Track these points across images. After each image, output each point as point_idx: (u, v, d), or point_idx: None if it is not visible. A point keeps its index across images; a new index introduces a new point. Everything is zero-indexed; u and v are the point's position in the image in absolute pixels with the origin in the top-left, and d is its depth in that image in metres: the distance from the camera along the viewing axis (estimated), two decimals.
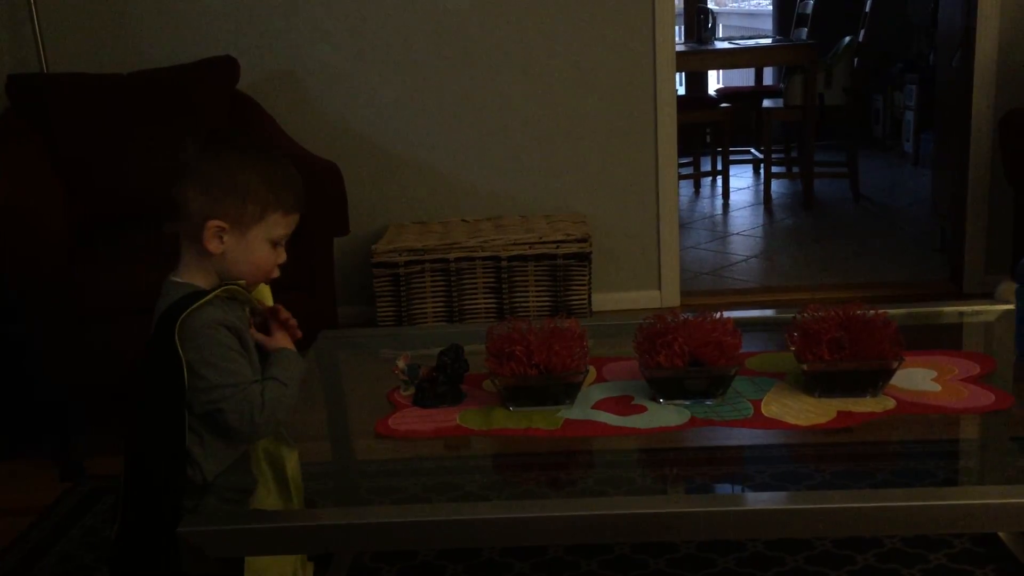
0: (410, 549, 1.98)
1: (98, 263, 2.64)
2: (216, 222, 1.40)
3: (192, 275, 1.43)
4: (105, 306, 2.56)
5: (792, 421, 1.49)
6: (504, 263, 3.12)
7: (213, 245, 1.41)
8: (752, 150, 5.98)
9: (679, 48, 4.81)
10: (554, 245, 3.11)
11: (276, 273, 1.49)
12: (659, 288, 3.57)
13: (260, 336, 1.49)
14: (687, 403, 1.56)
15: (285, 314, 1.52)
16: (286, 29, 3.39)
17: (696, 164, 5.71)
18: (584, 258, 3.12)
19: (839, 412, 1.50)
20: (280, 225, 1.45)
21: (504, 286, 3.13)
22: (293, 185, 1.46)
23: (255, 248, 1.44)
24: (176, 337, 1.35)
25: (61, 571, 2.04)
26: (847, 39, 5.16)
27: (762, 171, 5.44)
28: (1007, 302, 1.84)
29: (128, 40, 3.37)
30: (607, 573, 1.91)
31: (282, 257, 1.49)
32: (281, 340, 1.47)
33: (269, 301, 1.57)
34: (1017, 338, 1.69)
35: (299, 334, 1.53)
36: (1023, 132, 2.94)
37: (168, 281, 1.44)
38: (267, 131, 3.15)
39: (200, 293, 1.40)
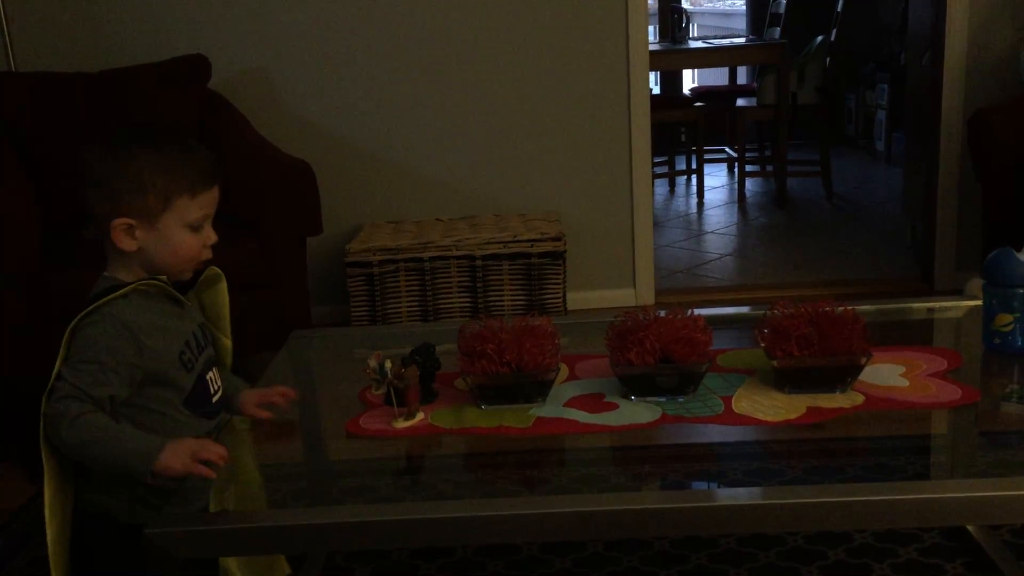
0: (383, 548, 1.98)
1: (68, 266, 2.61)
2: (121, 220, 1.37)
3: (116, 270, 1.42)
4: (73, 310, 2.52)
5: (763, 417, 1.50)
6: (478, 262, 3.11)
7: (126, 243, 1.38)
8: (726, 149, 6.01)
9: (653, 47, 4.83)
10: (528, 244, 3.11)
11: (206, 255, 1.45)
12: (634, 286, 3.58)
13: (258, 408, 1.55)
14: (658, 400, 1.56)
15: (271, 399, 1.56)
16: (258, 27, 3.37)
17: (671, 163, 5.73)
18: (558, 257, 3.12)
19: (809, 408, 1.51)
20: (191, 208, 1.40)
21: (479, 285, 3.13)
22: (194, 163, 1.40)
23: (171, 237, 1.40)
24: (68, 331, 1.34)
25: (30, 574, 2.02)
26: (819, 39, 5.19)
27: (736, 170, 5.47)
28: (975, 298, 1.86)
29: (98, 38, 3.34)
30: (581, 571, 1.91)
31: (211, 238, 1.44)
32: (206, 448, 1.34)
33: (224, 298, 1.55)
34: (985, 333, 1.71)
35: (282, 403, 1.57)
36: (991, 131, 2.97)
37: (100, 276, 1.43)
38: (239, 130, 3.12)
39: (115, 287, 1.38)
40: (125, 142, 1.39)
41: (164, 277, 1.44)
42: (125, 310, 1.37)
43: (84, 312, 1.36)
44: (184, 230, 1.41)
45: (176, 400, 1.43)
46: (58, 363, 1.34)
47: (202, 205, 1.42)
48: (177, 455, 1.31)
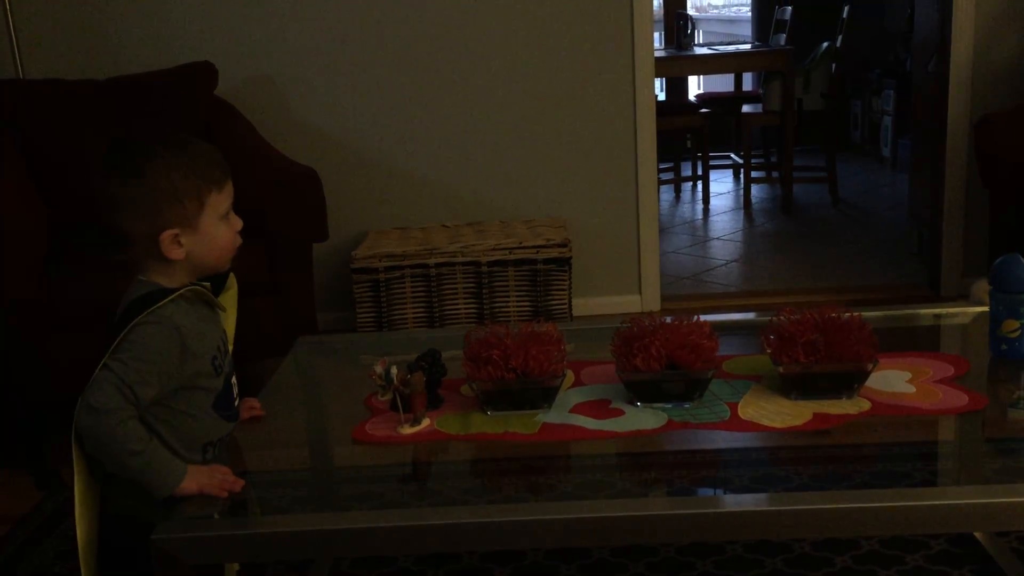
0: (389, 555, 1.98)
1: (73, 272, 2.62)
2: (168, 232, 1.40)
3: (156, 276, 1.44)
4: (80, 315, 2.54)
5: (769, 423, 1.50)
6: (484, 268, 3.12)
7: (176, 253, 1.42)
8: (732, 155, 6.01)
9: (659, 54, 4.84)
10: (534, 250, 3.11)
11: (239, 241, 1.50)
12: (639, 292, 3.58)
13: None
14: (664, 406, 1.56)
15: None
16: (265, 35, 3.38)
17: (676, 169, 5.73)
18: (564, 263, 3.12)
19: (815, 414, 1.51)
20: (221, 200, 1.45)
21: (484, 291, 3.13)
22: (210, 157, 1.44)
23: (211, 234, 1.44)
24: (127, 329, 1.36)
25: None
26: (825, 45, 5.19)
27: (742, 176, 5.47)
28: (982, 303, 1.85)
29: (105, 46, 3.36)
30: None
31: (238, 223, 1.49)
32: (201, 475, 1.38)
33: (234, 304, 1.58)
34: (991, 339, 1.71)
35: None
36: (998, 137, 2.97)
37: (135, 280, 1.45)
38: (245, 137, 3.13)
39: (164, 292, 1.40)
40: (140, 159, 1.40)
41: (207, 284, 1.48)
42: (176, 314, 1.41)
43: (144, 314, 1.38)
44: (220, 223, 1.45)
45: (206, 403, 1.47)
46: (105, 357, 1.36)
47: (228, 195, 1.47)
48: (195, 479, 1.37)
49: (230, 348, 1.61)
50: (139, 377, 1.35)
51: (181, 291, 1.42)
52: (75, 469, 1.38)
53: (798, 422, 1.49)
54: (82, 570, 1.40)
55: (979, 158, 3.06)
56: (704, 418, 1.53)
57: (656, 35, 3.82)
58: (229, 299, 1.58)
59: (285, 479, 1.54)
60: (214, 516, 1.34)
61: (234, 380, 1.54)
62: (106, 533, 1.43)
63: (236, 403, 1.55)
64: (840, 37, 5.08)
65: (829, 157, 5.16)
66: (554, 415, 1.57)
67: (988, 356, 1.72)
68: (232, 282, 1.58)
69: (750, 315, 2.21)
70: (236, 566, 1.57)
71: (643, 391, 1.58)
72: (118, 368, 1.35)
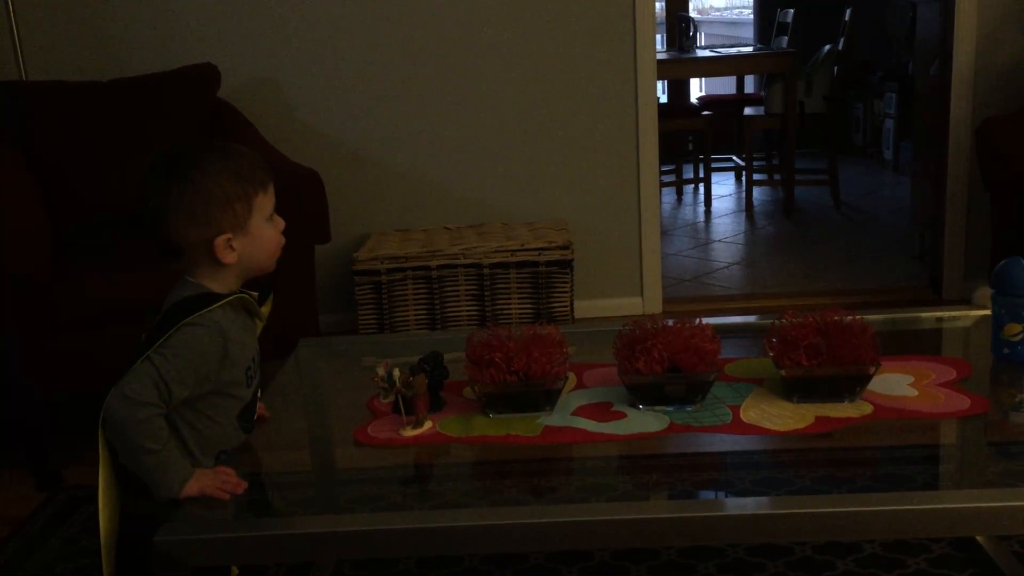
0: (390, 557, 1.98)
1: (77, 272, 2.62)
2: (222, 237, 1.43)
3: (205, 279, 1.46)
4: (84, 315, 2.54)
5: (771, 427, 1.50)
6: (486, 270, 3.12)
7: (230, 256, 1.44)
8: (734, 158, 6.01)
9: (661, 56, 4.84)
10: (536, 252, 3.12)
11: (283, 240, 1.53)
12: (641, 295, 3.58)
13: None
14: (666, 409, 1.56)
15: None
16: (267, 36, 3.38)
17: (678, 172, 5.73)
18: (566, 265, 3.12)
19: (817, 417, 1.51)
20: (266, 202, 1.48)
21: (486, 293, 3.13)
22: (252, 160, 1.47)
23: (260, 236, 1.47)
24: (176, 327, 1.38)
25: None
26: (827, 48, 5.19)
27: (744, 178, 5.47)
28: (984, 307, 1.85)
29: (108, 47, 3.36)
30: None
31: (281, 224, 1.52)
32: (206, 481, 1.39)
33: (265, 318, 1.59)
34: (994, 343, 1.71)
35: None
36: (1000, 140, 2.97)
37: (183, 279, 1.46)
38: (247, 138, 3.13)
39: (213, 296, 1.42)
40: (188, 168, 1.42)
41: (255, 294, 1.50)
42: (223, 319, 1.42)
43: (196, 315, 1.39)
44: (267, 224, 1.48)
45: (232, 412, 1.48)
46: (150, 351, 1.37)
47: (271, 195, 1.49)
48: (198, 481, 1.37)
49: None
50: (178, 375, 1.37)
51: (230, 298, 1.44)
52: (100, 458, 1.39)
53: (800, 425, 1.49)
54: (103, 563, 1.40)
55: (981, 161, 3.06)
56: (706, 421, 1.53)
57: (658, 37, 3.82)
58: (265, 312, 1.59)
59: (287, 481, 1.54)
60: (216, 518, 1.34)
61: (259, 394, 1.56)
62: (126, 530, 1.43)
63: (255, 416, 1.56)
64: (842, 40, 5.08)
65: (831, 160, 5.16)
66: (556, 418, 1.57)
67: (990, 360, 1.72)
68: (270, 298, 1.59)
69: (752, 318, 2.21)
70: (235, 569, 1.57)
71: (645, 394, 1.58)
72: (160, 363, 1.36)
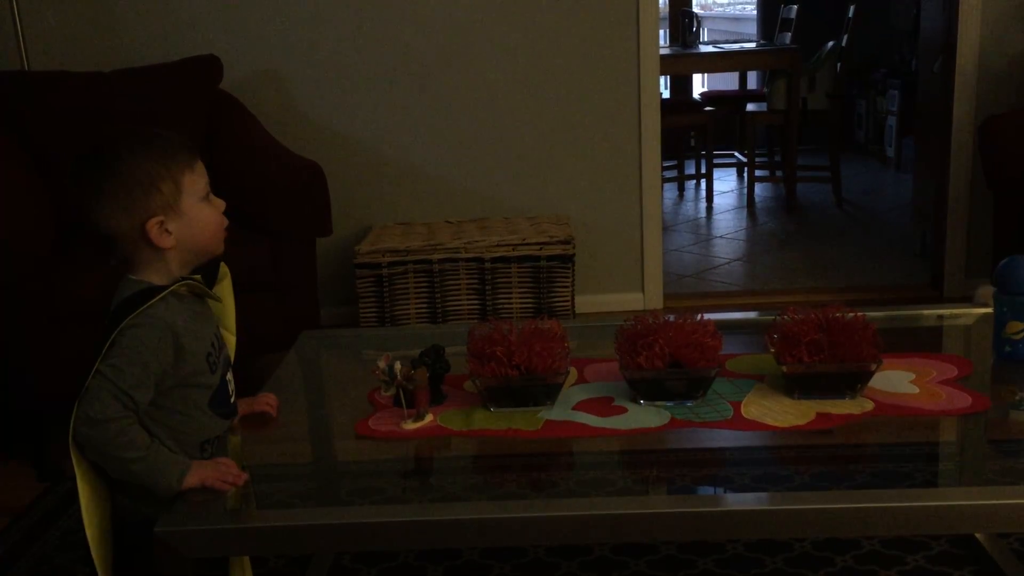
0: (390, 550, 1.98)
1: (77, 266, 2.62)
2: (153, 220, 1.39)
3: (148, 274, 1.42)
4: (84, 309, 2.53)
5: (772, 423, 1.50)
6: (487, 264, 3.12)
7: (165, 241, 1.40)
8: (736, 154, 6.00)
9: (664, 51, 4.83)
10: (537, 247, 3.11)
11: (225, 222, 1.48)
12: (642, 290, 3.58)
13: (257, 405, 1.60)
14: (667, 404, 1.56)
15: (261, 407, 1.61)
16: (270, 29, 3.38)
17: (680, 167, 5.73)
18: (567, 260, 3.12)
19: (818, 414, 1.51)
20: (196, 180, 1.43)
21: (487, 287, 3.13)
22: (174, 140, 1.43)
23: (196, 216, 1.43)
24: (116, 332, 1.35)
25: (37, 573, 2.03)
26: (830, 44, 5.19)
27: (745, 175, 5.46)
28: (986, 305, 1.85)
29: (110, 39, 3.36)
30: (588, 574, 1.91)
31: (221, 205, 1.48)
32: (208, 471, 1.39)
33: (230, 293, 1.56)
34: (995, 341, 1.71)
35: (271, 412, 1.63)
36: (1002, 138, 2.96)
37: (125, 278, 1.43)
38: (249, 131, 3.13)
39: (153, 290, 1.39)
40: (108, 158, 1.39)
41: (198, 276, 1.46)
42: (167, 313, 1.39)
43: (134, 315, 1.36)
44: (203, 205, 1.44)
45: (202, 401, 1.45)
46: (97, 363, 1.34)
47: (202, 174, 1.45)
48: (197, 473, 1.37)
49: (233, 339, 1.60)
50: (135, 381, 1.34)
51: (171, 287, 1.40)
52: (78, 475, 1.36)
53: (801, 421, 1.49)
54: (98, 571, 1.38)
55: (984, 159, 3.06)
56: (707, 417, 1.53)
57: (661, 33, 3.81)
58: (224, 289, 1.56)
59: (288, 473, 1.54)
60: (216, 510, 1.34)
61: (230, 376, 1.52)
62: (119, 535, 1.41)
63: (232, 399, 1.53)
64: (846, 36, 5.07)
65: (833, 156, 5.15)
66: (557, 412, 1.57)
67: (992, 357, 1.72)
68: (224, 271, 1.55)
69: (753, 314, 2.21)
70: (247, 564, 1.57)
71: (646, 389, 1.58)
72: (112, 374, 1.33)
